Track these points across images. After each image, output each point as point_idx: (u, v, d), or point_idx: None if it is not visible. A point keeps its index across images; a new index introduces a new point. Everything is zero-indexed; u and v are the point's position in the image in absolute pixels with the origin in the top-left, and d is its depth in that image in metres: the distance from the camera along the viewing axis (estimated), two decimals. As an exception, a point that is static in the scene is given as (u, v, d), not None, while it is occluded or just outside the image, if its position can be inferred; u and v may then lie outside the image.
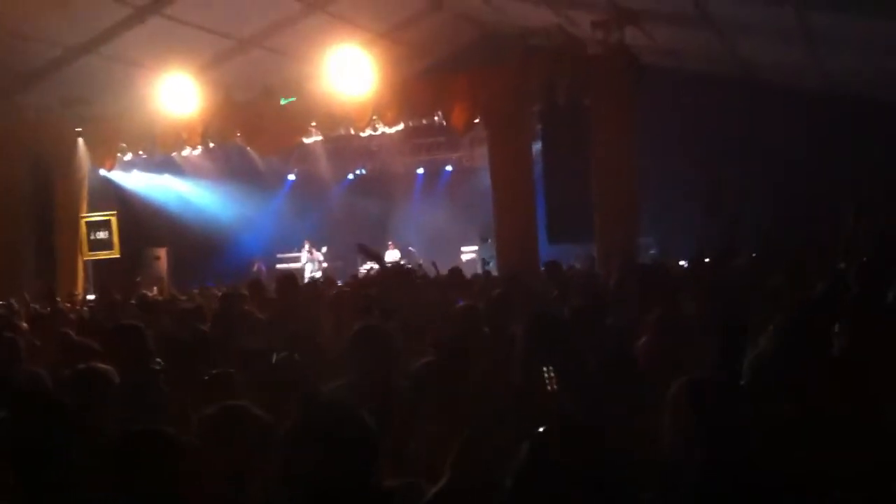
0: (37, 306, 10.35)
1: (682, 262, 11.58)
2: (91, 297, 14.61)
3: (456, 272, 9.32)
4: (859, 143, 14.27)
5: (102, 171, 16.83)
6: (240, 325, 6.14)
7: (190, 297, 11.08)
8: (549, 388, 2.98)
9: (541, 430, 1.83)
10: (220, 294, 9.47)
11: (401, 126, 15.19)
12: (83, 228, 16.54)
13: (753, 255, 10.04)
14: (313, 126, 15.37)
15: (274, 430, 2.45)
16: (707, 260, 9.71)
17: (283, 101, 14.77)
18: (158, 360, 4.36)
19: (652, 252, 14.81)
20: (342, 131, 15.73)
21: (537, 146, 14.07)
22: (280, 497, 2.00)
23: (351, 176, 21.46)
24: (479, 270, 14.06)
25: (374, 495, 2.01)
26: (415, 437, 2.89)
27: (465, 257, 18.73)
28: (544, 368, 2.98)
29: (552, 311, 5.18)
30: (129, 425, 2.39)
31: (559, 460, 1.74)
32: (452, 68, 16.03)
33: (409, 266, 10.59)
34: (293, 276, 8.33)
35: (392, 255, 19.57)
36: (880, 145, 13.97)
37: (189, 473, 2.34)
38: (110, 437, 2.43)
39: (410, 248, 19.50)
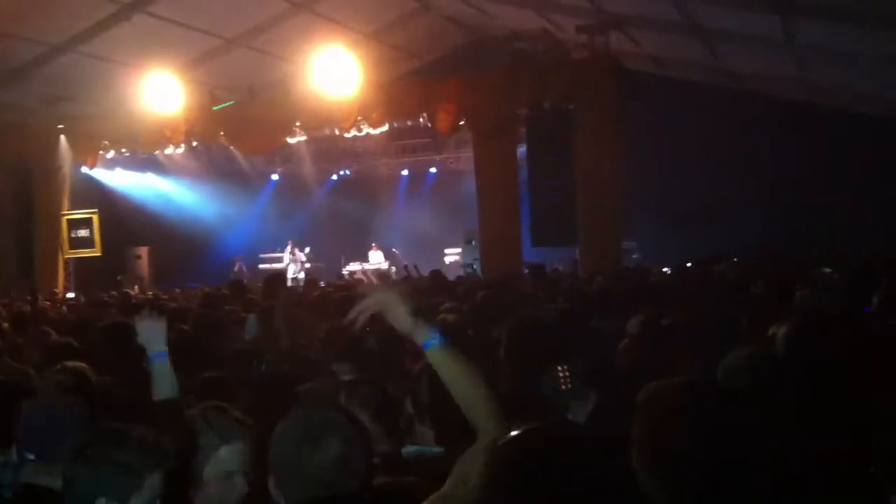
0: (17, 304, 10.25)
1: (665, 269, 11.66)
2: (71, 294, 14.49)
3: (437, 275, 9.31)
4: (846, 154, 14.47)
5: (84, 169, 16.72)
6: (222, 325, 6.10)
7: (172, 297, 11.03)
8: (563, 387, 2.98)
9: (514, 433, 1.82)
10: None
11: (385, 127, 15.19)
12: (64, 226, 16.40)
13: (735, 259, 10.15)
14: (298, 126, 15.32)
15: (257, 431, 2.45)
16: (689, 265, 9.80)
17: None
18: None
19: (635, 256, 14.90)
20: (327, 132, 15.71)
21: (522, 150, 14.12)
22: (277, 498, 2.00)
23: (335, 177, 21.40)
24: (463, 274, 14.09)
25: (372, 495, 2.01)
26: (413, 437, 2.90)
27: (448, 259, 18.71)
28: (558, 368, 2.98)
29: (538, 313, 5.19)
30: (119, 424, 2.38)
31: (541, 463, 1.73)
32: (439, 71, 16.03)
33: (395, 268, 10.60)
34: (282, 276, 8.31)
35: (375, 257, 19.58)
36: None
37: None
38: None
39: (394, 249, 19.49)
